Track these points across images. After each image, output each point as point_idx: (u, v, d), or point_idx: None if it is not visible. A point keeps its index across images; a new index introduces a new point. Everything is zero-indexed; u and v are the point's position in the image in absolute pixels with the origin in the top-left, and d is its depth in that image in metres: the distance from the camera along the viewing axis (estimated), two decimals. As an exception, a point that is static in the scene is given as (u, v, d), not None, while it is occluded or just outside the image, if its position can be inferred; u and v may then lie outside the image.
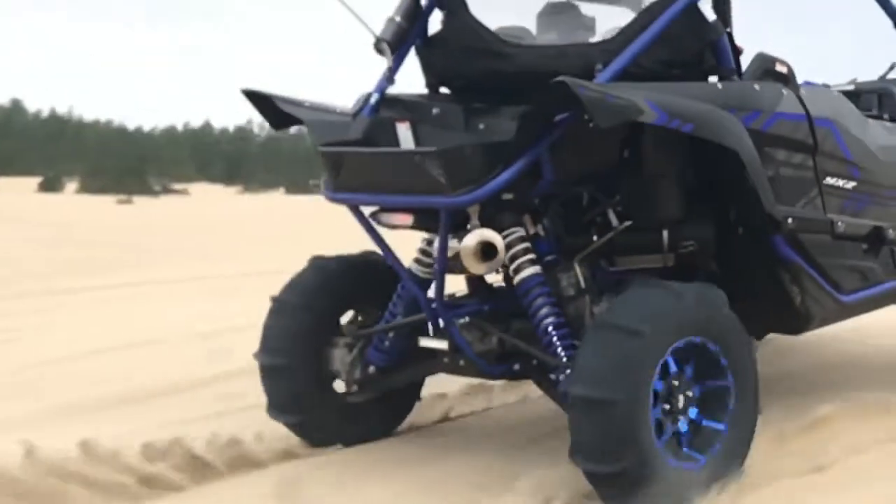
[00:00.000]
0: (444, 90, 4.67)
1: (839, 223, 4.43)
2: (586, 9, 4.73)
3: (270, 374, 4.47)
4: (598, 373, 3.56)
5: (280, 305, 4.48)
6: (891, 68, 5.35)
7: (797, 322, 4.47)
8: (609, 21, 4.57)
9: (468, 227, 3.94)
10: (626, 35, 4.07)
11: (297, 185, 31.42)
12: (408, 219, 4.09)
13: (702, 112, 3.83)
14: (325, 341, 4.50)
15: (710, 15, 4.05)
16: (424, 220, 4.08)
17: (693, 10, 4.02)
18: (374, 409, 4.61)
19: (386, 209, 4.15)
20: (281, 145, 46.89)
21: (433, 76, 4.64)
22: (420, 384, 4.75)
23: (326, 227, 8.95)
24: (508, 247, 4.00)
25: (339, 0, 4.40)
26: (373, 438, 4.61)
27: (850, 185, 4.51)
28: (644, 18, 4.07)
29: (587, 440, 3.58)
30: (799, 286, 4.33)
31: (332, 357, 4.50)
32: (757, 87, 4.14)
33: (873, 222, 4.61)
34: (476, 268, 3.93)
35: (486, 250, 3.89)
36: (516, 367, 4.23)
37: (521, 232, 4.05)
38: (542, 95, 3.78)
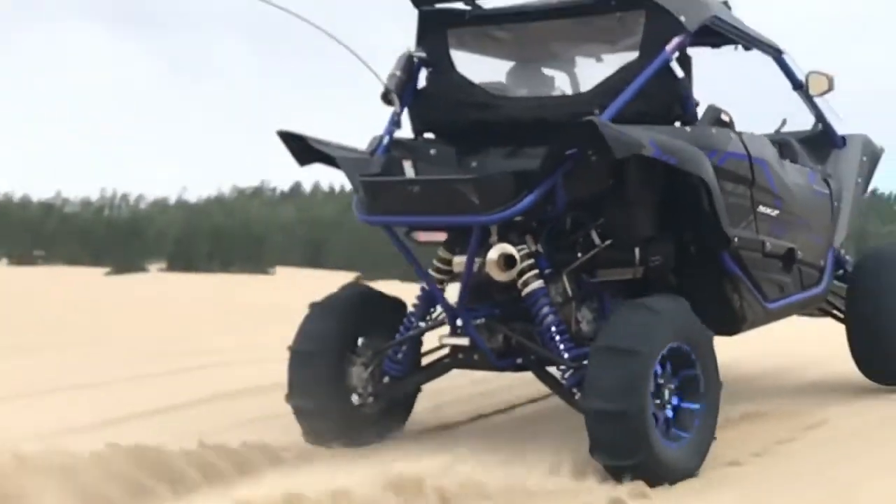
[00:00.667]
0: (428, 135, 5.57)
1: (767, 243, 5.50)
2: (547, 69, 5.74)
3: (302, 415, 5.27)
4: (608, 389, 4.50)
5: (299, 356, 5.28)
6: (783, 124, 6.41)
7: (734, 325, 5.49)
8: (566, 79, 5.62)
9: (490, 242, 4.80)
10: (605, 88, 5.04)
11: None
12: (442, 235, 4.91)
13: (683, 149, 4.88)
14: (341, 372, 5.28)
15: (680, 73, 5.05)
16: (455, 236, 4.91)
17: (668, 69, 5.00)
18: (382, 417, 5.40)
19: (421, 228, 4.96)
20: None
21: (420, 124, 5.55)
22: (415, 396, 5.57)
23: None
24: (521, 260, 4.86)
25: (357, 56, 5.21)
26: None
27: (775, 213, 5.59)
28: (622, 74, 5.08)
29: (606, 442, 4.53)
30: (738, 294, 5.37)
31: (351, 375, 5.29)
32: (714, 131, 5.17)
33: (789, 244, 5.68)
34: (499, 275, 4.82)
35: (508, 261, 4.79)
36: (519, 361, 5.09)
37: (528, 249, 4.91)
38: (554, 134, 4.71)
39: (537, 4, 5.50)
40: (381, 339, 5.33)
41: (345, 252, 23.07)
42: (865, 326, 6.35)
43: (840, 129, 6.50)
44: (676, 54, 5.04)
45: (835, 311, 6.58)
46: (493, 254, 4.77)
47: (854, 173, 6.50)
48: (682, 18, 5.05)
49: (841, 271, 6.42)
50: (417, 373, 5.38)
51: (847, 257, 6.55)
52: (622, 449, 4.48)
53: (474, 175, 4.87)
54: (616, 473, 4.53)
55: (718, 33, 5.48)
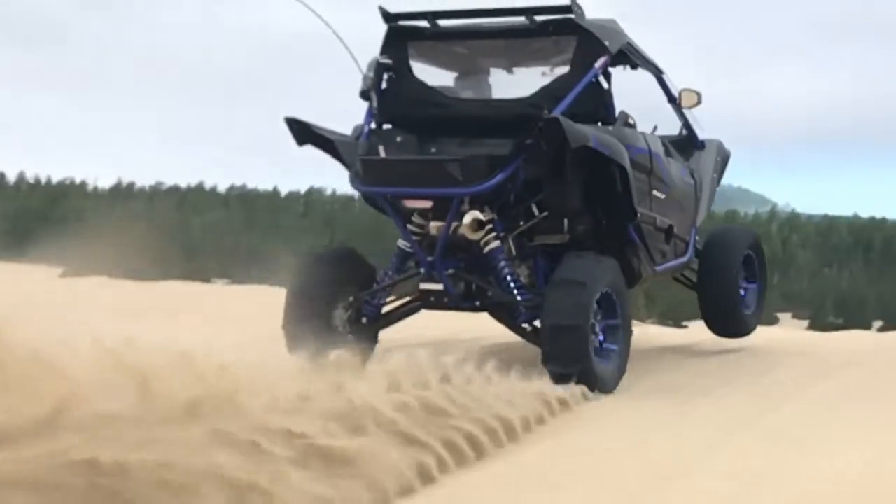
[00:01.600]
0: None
1: (658, 219, 7.11)
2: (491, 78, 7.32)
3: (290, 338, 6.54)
4: (564, 310, 6.06)
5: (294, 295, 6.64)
6: (654, 129, 7.81)
7: (632, 282, 7.01)
8: (506, 85, 7.13)
9: (462, 210, 6.25)
10: (545, 94, 6.57)
11: None
12: (428, 203, 6.32)
13: (612, 143, 6.45)
14: (327, 313, 6.62)
15: (605, 84, 6.66)
16: (436, 204, 6.33)
17: (595, 81, 6.63)
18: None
19: (412, 197, 6.36)
20: None
21: (384, 117, 6.91)
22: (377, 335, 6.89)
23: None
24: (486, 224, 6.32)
25: (353, 58, 6.61)
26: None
27: (663, 196, 7.20)
28: (558, 84, 6.61)
29: (558, 353, 6.06)
30: (637, 258, 6.92)
31: (334, 317, 6.66)
32: (627, 130, 6.76)
33: (670, 221, 7.31)
34: (472, 236, 6.33)
35: (478, 225, 6.27)
36: (477, 303, 6.56)
37: (488, 216, 6.35)
38: (500, 128, 6.45)
39: (487, 26, 6.98)
40: (360, 288, 6.70)
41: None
42: (711, 292, 7.93)
43: (701, 135, 8.17)
44: (601, 70, 6.63)
45: (689, 280, 8.23)
46: (468, 219, 6.25)
47: (711, 169, 8.18)
48: (607, 43, 6.62)
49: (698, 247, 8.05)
50: (388, 314, 6.80)
51: (697, 237, 8.06)
52: (570, 358, 6.01)
53: (458, 156, 6.32)
54: (560, 379, 5.95)
55: (626, 55, 7.04)
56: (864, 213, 21.93)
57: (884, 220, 21.02)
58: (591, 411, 5.85)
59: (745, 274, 8.12)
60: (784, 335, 11.48)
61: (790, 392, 6.51)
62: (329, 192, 21.87)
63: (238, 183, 22.75)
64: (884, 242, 19.56)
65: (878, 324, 16.00)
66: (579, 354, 6.03)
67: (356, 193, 7.45)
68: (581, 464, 4.81)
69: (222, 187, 22.44)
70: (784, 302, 16.45)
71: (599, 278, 6.23)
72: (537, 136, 6.19)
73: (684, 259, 7.76)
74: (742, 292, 8.04)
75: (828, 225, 21.09)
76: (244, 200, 21.63)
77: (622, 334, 6.42)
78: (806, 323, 16.30)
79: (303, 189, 22.19)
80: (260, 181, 32.29)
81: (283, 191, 22.26)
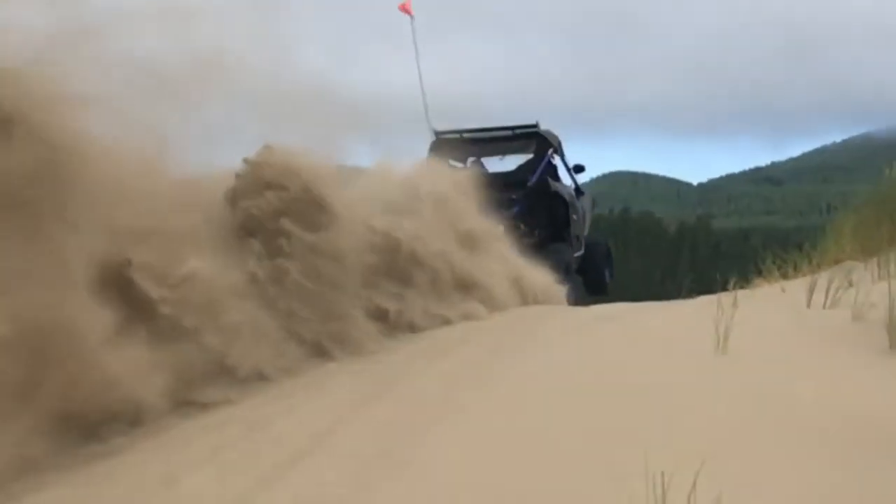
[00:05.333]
0: None
1: (573, 231, 14.53)
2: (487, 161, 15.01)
3: None
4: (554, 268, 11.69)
5: None
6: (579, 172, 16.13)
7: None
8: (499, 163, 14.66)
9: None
10: (524, 169, 14.10)
11: None
12: None
13: (563, 189, 14.48)
14: None
15: (553, 162, 14.62)
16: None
17: (549, 161, 14.39)
18: None
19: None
20: None
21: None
22: None
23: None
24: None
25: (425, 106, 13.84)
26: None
27: (576, 219, 14.57)
28: (528, 164, 14.20)
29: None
30: (570, 248, 14.23)
31: None
32: (564, 185, 14.93)
33: (578, 232, 14.66)
34: None
35: None
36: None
37: None
38: (518, 184, 13.77)
39: (489, 135, 14.30)
40: None
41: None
42: (589, 269, 15.09)
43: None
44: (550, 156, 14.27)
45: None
46: None
47: (589, 206, 15.90)
48: (554, 143, 14.37)
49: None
50: None
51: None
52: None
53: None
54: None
55: (557, 147, 14.58)
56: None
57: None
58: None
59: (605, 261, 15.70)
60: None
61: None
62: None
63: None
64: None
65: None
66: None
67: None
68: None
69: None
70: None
71: (568, 255, 14.01)
72: (531, 189, 13.66)
73: (581, 252, 14.78)
74: (605, 269, 15.45)
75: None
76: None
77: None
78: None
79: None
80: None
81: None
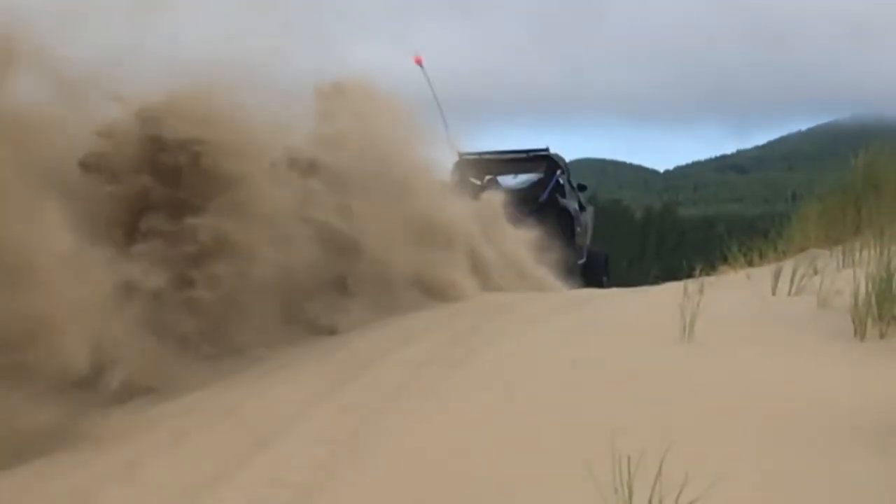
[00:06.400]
0: None
1: (578, 240, 16.53)
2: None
3: None
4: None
5: None
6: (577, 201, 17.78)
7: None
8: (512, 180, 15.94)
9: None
10: (535, 186, 15.89)
11: None
12: None
13: (569, 204, 16.49)
14: None
15: (561, 181, 16.46)
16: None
17: (557, 180, 16.36)
18: None
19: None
20: None
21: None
22: None
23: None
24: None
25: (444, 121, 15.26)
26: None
27: (580, 230, 16.57)
28: (539, 182, 15.98)
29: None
30: (574, 256, 15.84)
31: None
32: (571, 200, 16.98)
33: (581, 243, 16.81)
34: None
35: None
36: None
37: None
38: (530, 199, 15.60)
39: (505, 156, 16.05)
40: None
41: None
42: (590, 274, 16.31)
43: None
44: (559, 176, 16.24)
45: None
46: None
47: (591, 219, 17.75)
48: (561, 164, 16.46)
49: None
50: None
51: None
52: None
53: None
54: None
55: (566, 168, 16.74)
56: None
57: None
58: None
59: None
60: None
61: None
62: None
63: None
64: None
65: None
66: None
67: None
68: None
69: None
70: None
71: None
72: (542, 203, 15.36)
73: (583, 259, 16.63)
74: (603, 276, 17.13)
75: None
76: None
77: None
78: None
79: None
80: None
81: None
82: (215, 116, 6.97)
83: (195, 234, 6.67)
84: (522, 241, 12.43)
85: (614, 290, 9.79)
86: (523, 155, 16.22)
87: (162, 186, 6.72)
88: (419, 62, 15.32)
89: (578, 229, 16.39)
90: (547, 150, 16.32)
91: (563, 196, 16.26)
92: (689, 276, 7.91)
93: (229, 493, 4.12)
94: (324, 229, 7.75)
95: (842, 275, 6.70)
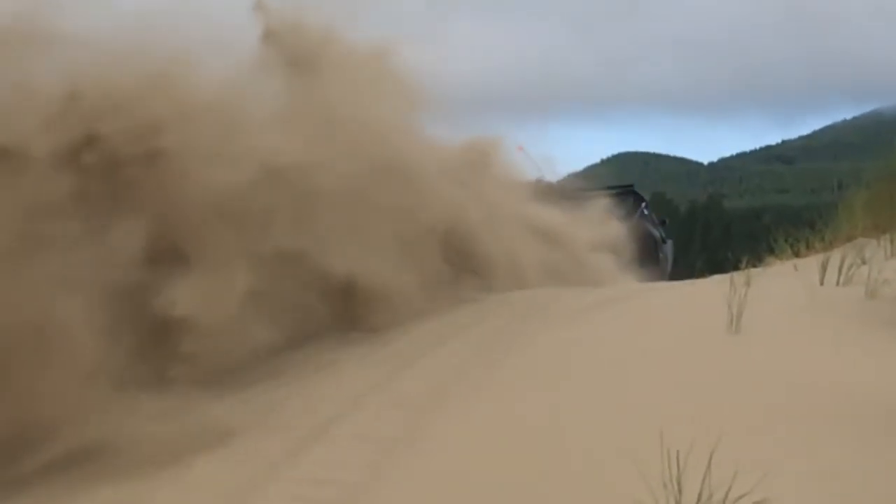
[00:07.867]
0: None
1: (661, 260, 18.90)
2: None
3: None
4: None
5: None
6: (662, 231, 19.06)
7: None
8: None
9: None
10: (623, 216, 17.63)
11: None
12: None
13: (654, 231, 18.98)
14: None
15: (645, 212, 19.12)
16: None
17: (642, 210, 19.08)
18: None
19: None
20: None
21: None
22: None
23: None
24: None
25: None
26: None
27: (663, 256, 19.06)
28: (626, 213, 17.58)
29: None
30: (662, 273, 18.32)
31: None
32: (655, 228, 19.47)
33: (667, 264, 19.67)
34: None
35: None
36: None
37: None
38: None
39: (592, 188, 17.43)
40: None
41: None
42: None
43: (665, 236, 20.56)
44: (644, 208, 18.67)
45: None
46: None
47: (671, 250, 20.75)
48: (645, 199, 19.48)
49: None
50: None
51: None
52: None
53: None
54: None
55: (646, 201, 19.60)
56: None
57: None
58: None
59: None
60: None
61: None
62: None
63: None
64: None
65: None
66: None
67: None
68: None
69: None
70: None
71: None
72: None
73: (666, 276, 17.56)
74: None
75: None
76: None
77: None
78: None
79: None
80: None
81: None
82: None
83: None
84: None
85: (661, 284, 9.72)
86: (611, 191, 18.64)
87: None
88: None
89: (661, 255, 19.13)
90: (632, 185, 19.95)
91: (649, 220, 19.15)
92: (736, 268, 7.85)
93: (276, 493, 4.13)
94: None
95: (890, 264, 6.62)
